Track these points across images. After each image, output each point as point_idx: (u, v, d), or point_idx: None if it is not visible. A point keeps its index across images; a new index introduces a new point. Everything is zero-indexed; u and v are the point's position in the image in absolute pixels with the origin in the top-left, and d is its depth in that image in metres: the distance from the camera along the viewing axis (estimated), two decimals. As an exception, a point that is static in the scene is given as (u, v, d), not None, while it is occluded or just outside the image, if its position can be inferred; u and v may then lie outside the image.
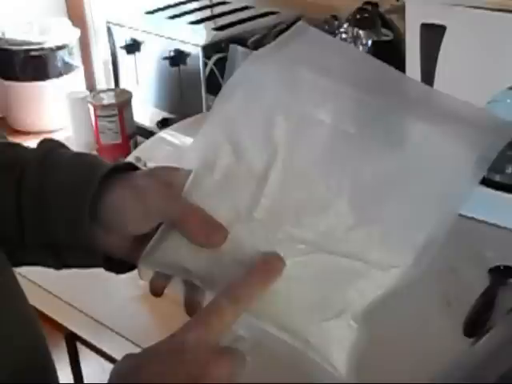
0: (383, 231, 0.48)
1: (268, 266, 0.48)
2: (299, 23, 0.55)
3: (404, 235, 0.48)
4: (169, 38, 1.40)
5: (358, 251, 0.48)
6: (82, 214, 0.52)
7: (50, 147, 0.57)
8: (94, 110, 1.38)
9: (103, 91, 1.45)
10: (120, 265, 0.57)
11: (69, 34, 1.63)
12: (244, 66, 0.52)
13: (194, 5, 1.56)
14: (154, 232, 0.52)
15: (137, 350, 0.46)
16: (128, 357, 0.46)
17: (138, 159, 1.24)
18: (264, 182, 0.49)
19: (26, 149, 0.58)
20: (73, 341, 1.00)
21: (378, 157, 0.48)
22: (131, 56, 1.49)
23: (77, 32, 1.65)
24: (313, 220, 0.48)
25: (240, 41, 1.34)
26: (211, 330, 0.45)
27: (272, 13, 1.49)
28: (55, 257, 0.55)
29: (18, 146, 0.59)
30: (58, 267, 0.57)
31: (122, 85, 1.56)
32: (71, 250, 0.54)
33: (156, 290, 0.55)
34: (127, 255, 0.54)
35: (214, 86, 1.35)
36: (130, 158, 1.25)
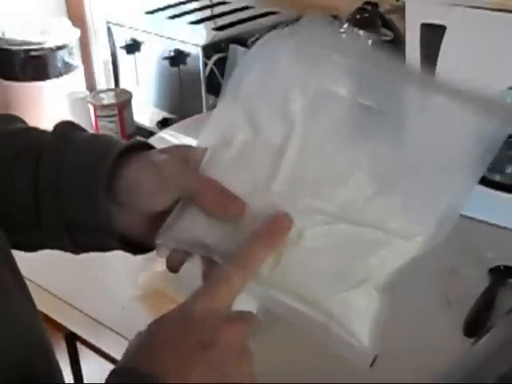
0: (403, 200, 0.48)
1: (273, 226, 0.48)
2: (306, 18, 0.55)
3: (424, 203, 0.48)
4: (169, 37, 1.40)
5: (378, 221, 0.48)
6: (96, 192, 0.52)
7: (66, 129, 0.57)
8: (94, 110, 1.38)
9: (103, 91, 1.45)
10: (137, 246, 0.56)
11: (69, 34, 1.63)
12: (259, 44, 0.52)
13: (194, 5, 1.56)
14: (171, 210, 0.52)
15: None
16: (140, 333, 0.46)
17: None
18: (282, 155, 0.49)
19: (43, 131, 0.58)
20: (73, 341, 1.00)
21: (395, 129, 0.48)
22: (131, 56, 1.49)
23: (77, 32, 1.65)
24: (332, 191, 0.48)
25: (240, 41, 1.34)
26: (219, 298, 0.45)
27: (272, 13, 1.49)
28: (72, 239, 0.55)
29: (35, 129, 0.59)
30: (75, 251, 0.57)
31: (122, 85, 1.56)
32: (87, 231, 0.54)
33: (173, 267, 0.54)
34: (144, 235, 0.54)
35: (213, 86, 1.35)
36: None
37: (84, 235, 0.55)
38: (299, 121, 0.49)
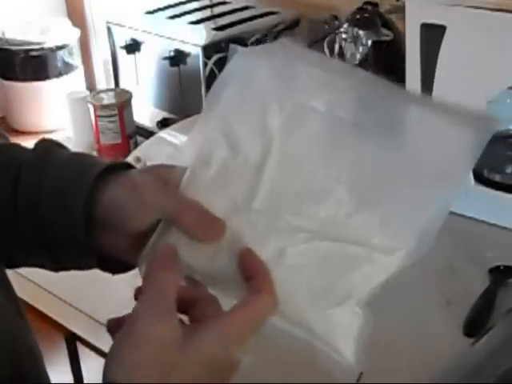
0: (383, 215, 0.48)
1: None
2: (282, 39, 0.56)
3: (405, 218, 0.48)
4: (169, 38, 1.40)
5: (359, 237, 0.48)
6: (76, 213, 0.51)
7: (47, 147, 0.56)
8: (94, 110, 1.39)
9: (103, 91, 1.45)
10: (117, 265, 0.56)
11: (69, 34, 1.63)
12: (235, 59, 0.52)
13: (194, 5, 1.56)
14: (153, 230, 0.51)
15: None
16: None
17: (138, 159, 1.24)
18: (261, 172, 0.49)
19: (24, 149, 0.58)
20: (73, 341, 1.00)
21: (374, 143, 0.48)
22: (131, 56, 1.49)
23: (77, 32, 1.66)
24: (312, 208, 0.48)
25: (240, 41, 1.34)
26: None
27: (272, 13, 1.49)
28: (52, 258, 0.55)
29: (15, 146, 0.59)
30: (55, 269, 0.57)
31: (122, 85, 1.56)
32: (68, 251, 0.54)
33: None
34: (125, 255, 0.54)
35: (213, 86, 1.35)
36: (130, 158, 1.25)
37: (64, 255, 0.55)
38: (277, 137, 0.49)
